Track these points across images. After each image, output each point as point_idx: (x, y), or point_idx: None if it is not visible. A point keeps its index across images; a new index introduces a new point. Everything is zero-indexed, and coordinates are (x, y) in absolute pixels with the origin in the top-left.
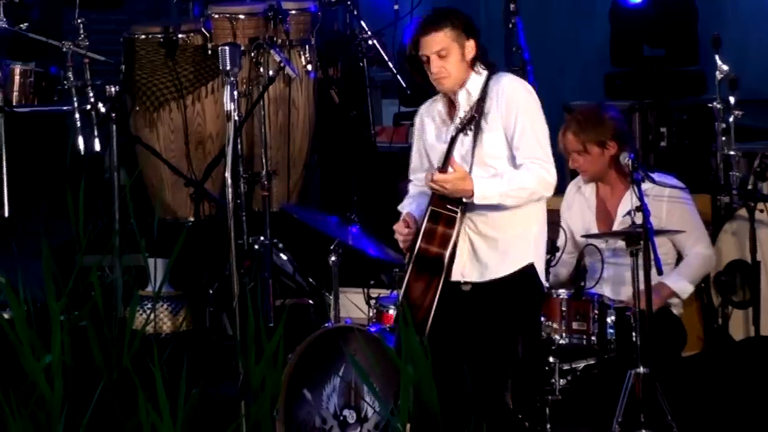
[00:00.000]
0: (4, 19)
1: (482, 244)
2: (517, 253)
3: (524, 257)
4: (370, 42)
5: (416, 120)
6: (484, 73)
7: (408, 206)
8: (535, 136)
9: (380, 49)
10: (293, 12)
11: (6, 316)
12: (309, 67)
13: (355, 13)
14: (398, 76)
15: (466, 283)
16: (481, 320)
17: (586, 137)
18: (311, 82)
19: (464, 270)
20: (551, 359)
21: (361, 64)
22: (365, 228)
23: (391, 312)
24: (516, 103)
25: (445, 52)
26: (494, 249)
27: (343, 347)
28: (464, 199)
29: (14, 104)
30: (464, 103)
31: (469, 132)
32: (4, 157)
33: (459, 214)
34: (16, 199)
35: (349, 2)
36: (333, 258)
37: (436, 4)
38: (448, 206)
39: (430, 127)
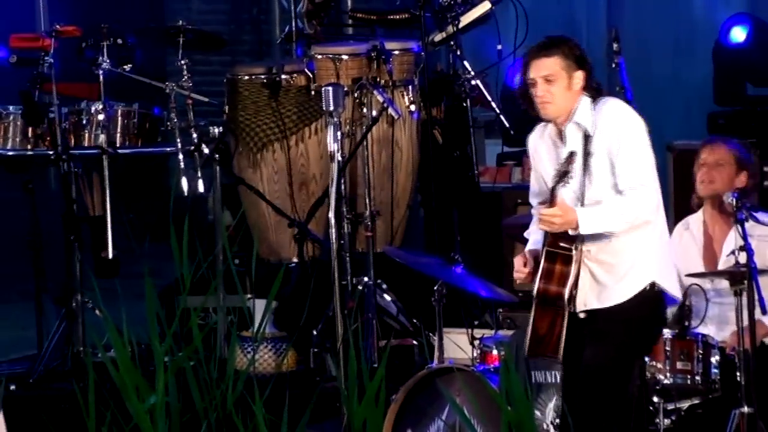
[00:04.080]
0: (108, 61)
1: (600, 270)
2: (637, 276)
3: (644, 278)
4: (473, 82)
5: (529, 147)
6: (590, 102)
7: (534, 234)
8: (637, 161)
9: (483, 90)
10: (396, 52)
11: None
12: (412, 107)
13: (458, 53)
14: (501, 116)
15: (584, 311)
16: (599, 342)
17: (737, 152)
18: (414, 123)
19: (586, 299)
20: (656, 399)
21: (464, 104)
22: (469, 268)
23: (495, 352)
24: (619, 128)
25: (552, 78)
26: (612, 273)
27: (445, 389)
28: (570, 232)
29: (118, 145)
30: (572, 135)
31: (569, 180)
32: (108, 199)
33: (574, 251)
34: (120, 241)
35: (452, 42)
36: (436, 298)
37: None
38: (562, 245)
39: (542, 151)
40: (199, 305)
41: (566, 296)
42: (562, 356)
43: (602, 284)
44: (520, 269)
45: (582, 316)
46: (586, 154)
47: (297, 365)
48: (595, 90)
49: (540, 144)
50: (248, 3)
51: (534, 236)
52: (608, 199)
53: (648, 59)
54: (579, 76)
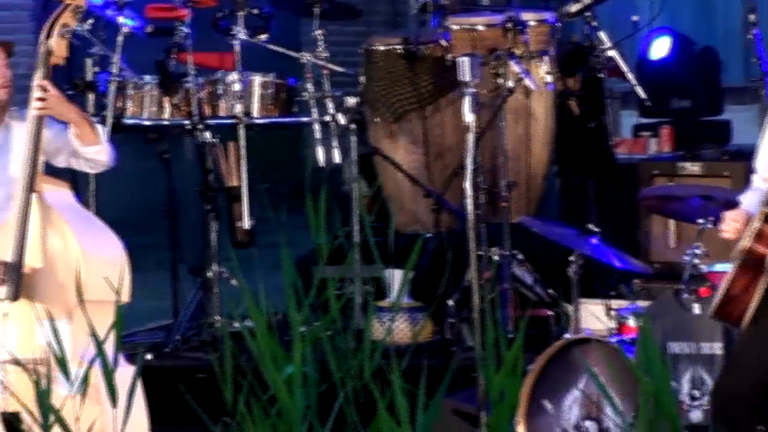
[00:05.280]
0: (244, 31)
1: None
2: None
3: None
4: (609, 53)
5: None
6: None
7: (748, 197)
8: None
9: (619, 61)
10: (532, 23)
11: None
12: (548, 78)
13: (594, 24)
14: (637, 88)
15: None
16: None
17: None
18: (550, 94)
19: None
20: None
21: (600, 75)
22: (605, 239)
23: (631, 323)
24: None
25: None
26: None
27: (582, 359)
28: None
29: (254, 115)
30: None
31: None
32: (244, 168)
33: None
34: (256, 211)
35: (587, 13)
36: (572, 269)
37: (676, 15)
38: None
39: None
40: (337, 276)
41: None
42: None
43: None
44: (731, 222)
45: None
46: None
47: (433, 335)
48: None
49: None
50: None
51: (748, 199)
52: None
53: None
54: None
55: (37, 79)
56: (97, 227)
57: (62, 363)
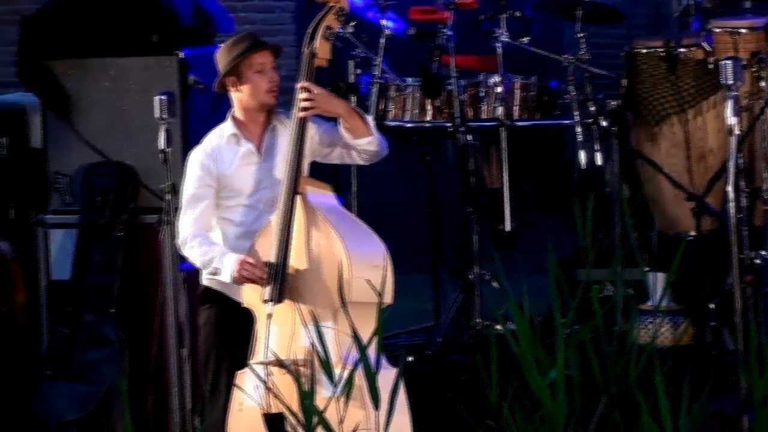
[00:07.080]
0: (506, 34)
1: None
2: None
3: None
4: None
5: None
6: None
7: None
8: None
9: None
10: None
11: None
12: None
13: None
14: None
15: None
16: None
17: None
18: None
19: None
20: None
21: None
22: None
23: None
24: None
25: None
26: None
27: None
28: None
29: (515, 118)
30: None
31: None
32: (506, 171)
33: None
34: (518, 213)
35: None
36: None
37: None
38: None
39: None
40: (601, 279)
41: None
42: None
43: None
44: None
45: None
46: None
47: (694, 339)
48: None
49: None
50: None
51: None
52: None
53: None
54: None
55: (301, 81)
56: (360, 229)
57: (326, 365)
